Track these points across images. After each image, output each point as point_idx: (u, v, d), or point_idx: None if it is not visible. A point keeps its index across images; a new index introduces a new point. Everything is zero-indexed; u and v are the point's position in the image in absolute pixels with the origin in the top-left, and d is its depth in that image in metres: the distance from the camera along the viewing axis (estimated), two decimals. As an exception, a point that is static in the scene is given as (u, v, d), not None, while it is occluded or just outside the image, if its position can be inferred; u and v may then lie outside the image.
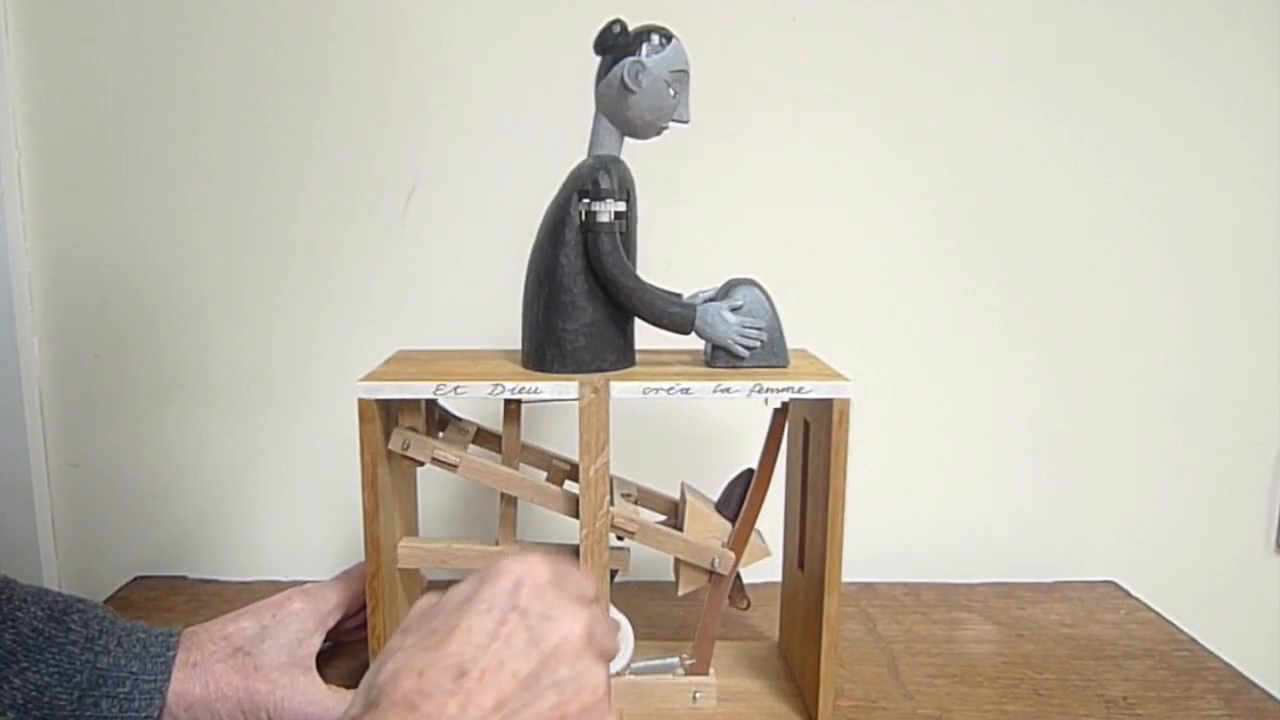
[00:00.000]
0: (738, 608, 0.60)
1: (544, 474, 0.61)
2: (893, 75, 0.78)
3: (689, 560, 0.57)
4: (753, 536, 0.58)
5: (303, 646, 0.54)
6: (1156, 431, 0.84)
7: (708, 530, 0.57)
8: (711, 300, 0.55)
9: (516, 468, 0.57)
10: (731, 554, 0.57)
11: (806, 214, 0.79)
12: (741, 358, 0.54)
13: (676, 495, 0.62)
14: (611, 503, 0.55)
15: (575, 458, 0.54)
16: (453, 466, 0.55)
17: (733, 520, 0.58)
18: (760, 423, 0.58)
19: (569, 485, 0.58)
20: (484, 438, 0.61)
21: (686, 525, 0.57)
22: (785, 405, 0.58)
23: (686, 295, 0.55)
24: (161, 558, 0.83)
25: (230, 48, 0.76)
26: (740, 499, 0.58)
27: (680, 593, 0.58)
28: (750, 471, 0.58)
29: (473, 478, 0.56)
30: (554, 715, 0.34)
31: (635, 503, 0.60)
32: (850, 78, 0.78)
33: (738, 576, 0.59)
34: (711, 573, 0.57)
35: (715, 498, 0.60)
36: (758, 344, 0.54)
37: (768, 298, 0.55)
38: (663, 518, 0.60)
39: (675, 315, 0.53)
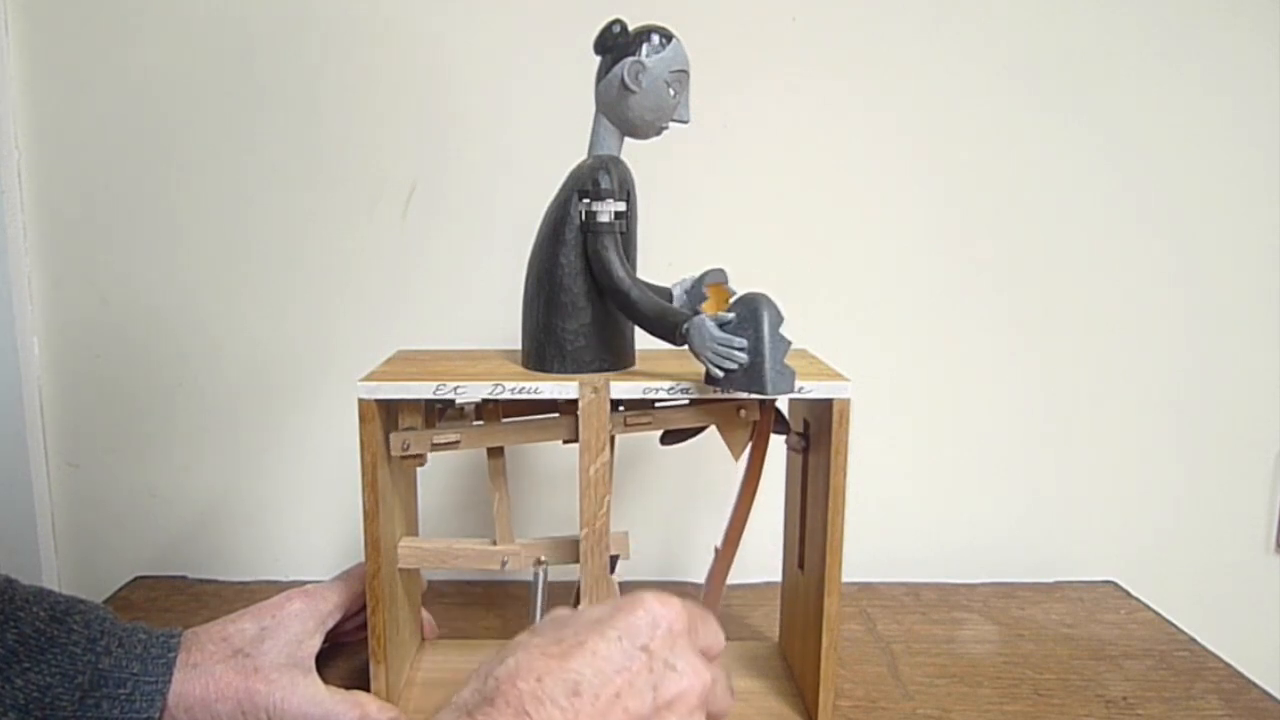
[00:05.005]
0: (794, 449, 0.58)
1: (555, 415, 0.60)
2: (894, 75, 0.78)
3: (720, 421, 0.55)
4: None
5: (302, 647, 0.54)
6: (1157, 432, 0.84)
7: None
8: (688, 291, 0.55)
9: (502, 452, 0.57)
10: (755, 400, 0.55)
11: (807, 214, 0.79)
12: (715, 378, 0.49)
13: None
14: (623, 406, 0.54)
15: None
16: (455, 443, 0.54)
17: None
18: (760, 423, 0.58)
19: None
20: (485, 415, 0.61)
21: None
22: (769, 405, 0.57)
23: (671, 282, 0.56)
24: (161, 558, 0.83)
25: (231, 47, 0.76)
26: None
27: (735, 458, 0.56)
28: None
29: (476, 444, 0.55)
30: None
31: (651, 404, 0.57)
32: (851, 77, 0.78)
33: (778, 414, 0.57)
34: (753, 423, 0.55)
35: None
36: (734, 366, 0.48)
37: (771, 318, 0.48)
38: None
39: (666, 323, 0.50)
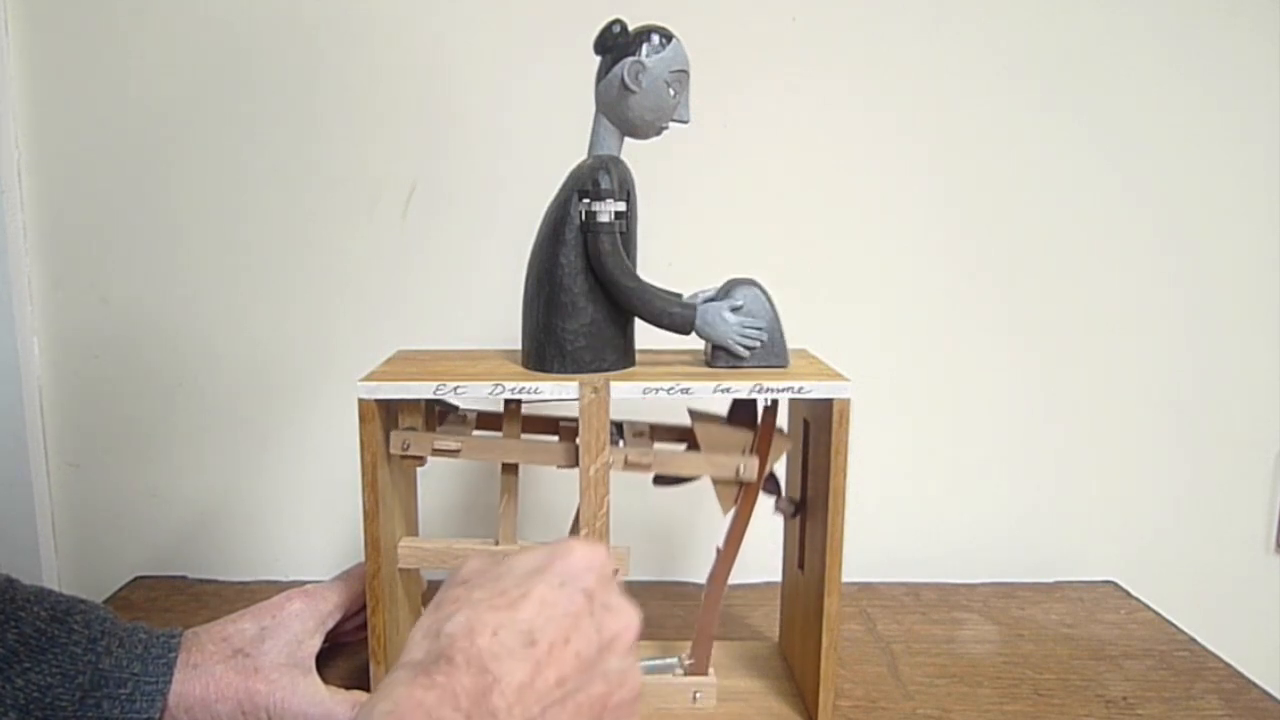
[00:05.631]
0: (785, 513, 0.60)
1: (555, 437, 0.60)
2: (893, 75, 0.78)
3: (715, 474, 0.56)
4: (776, 434, 0.57)
5: (302, 647, 0.54)
6: (1157, 432, 0.84)
7: (725, 441, 0.56)
8: (712, 300, 0.55)
9: (517, 467, 0.57)
10: (755, 458, 0.56)
11: (807, 213, 0.79)
12: (741, 358, 0.54)
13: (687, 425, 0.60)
14: (623, 440, 0.55)
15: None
16: (455, 452, 0.55)
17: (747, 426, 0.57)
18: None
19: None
20: (486, 424, 0.61)
21: (703, 443, 0.56)
22: (774, 404, 0.57)
23: (686, 295, 0.55)
24: (161, 558, 0.83)
25: (231, 47, 0.76)
26: (749, 412, 0.57)
27: (724, 512, 0.57)
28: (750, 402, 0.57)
29: (476, 457, 0.56)
30: (599, 704, 0.35)
31: (651, 438, 0.59)
32: (851, 77, 0.78)
33: (771, 475, 0.58)
34: (742, 483, 0.56)
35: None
36: (758, 344, 0.54)
37: (768, 297, 0.55)
38: (683, 446, 0.59)
39: (675, 315, 0.53)
